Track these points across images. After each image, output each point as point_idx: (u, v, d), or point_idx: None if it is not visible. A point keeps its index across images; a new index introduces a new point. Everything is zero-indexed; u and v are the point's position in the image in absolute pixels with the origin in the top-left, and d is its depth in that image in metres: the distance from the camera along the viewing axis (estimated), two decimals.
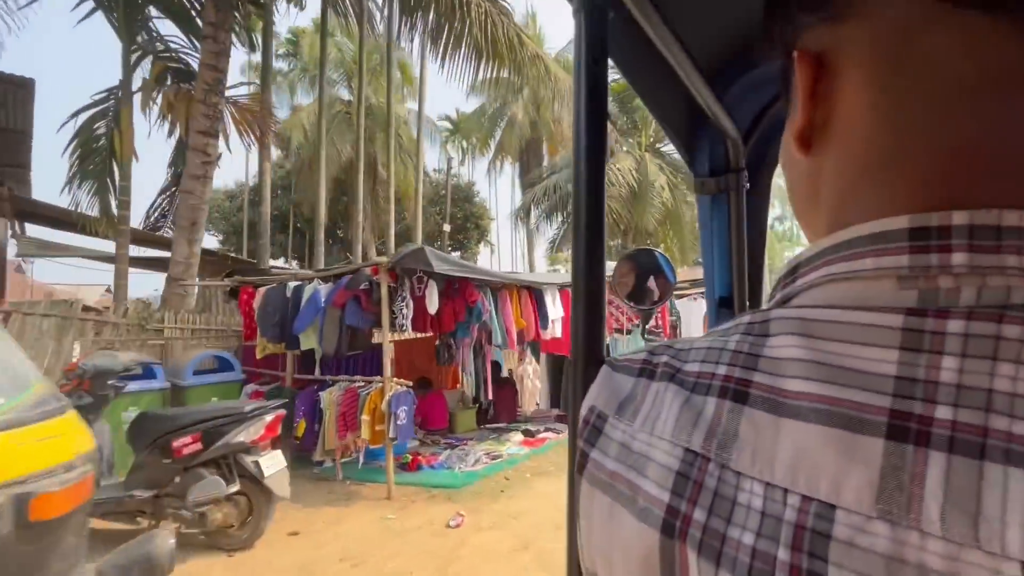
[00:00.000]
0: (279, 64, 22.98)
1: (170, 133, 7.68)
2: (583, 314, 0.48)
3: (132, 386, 4.84)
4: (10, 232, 10.09)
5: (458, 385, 7.08)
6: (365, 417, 4.57)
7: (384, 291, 4.65)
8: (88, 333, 5.96)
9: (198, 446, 3.45)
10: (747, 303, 0.90)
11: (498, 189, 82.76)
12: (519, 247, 26.09)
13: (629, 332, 7.87)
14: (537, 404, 7.34)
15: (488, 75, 8.20)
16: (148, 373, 5.07)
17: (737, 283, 0.89)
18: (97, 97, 7.13)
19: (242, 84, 7.62)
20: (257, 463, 3.54)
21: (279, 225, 23.72)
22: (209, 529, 3.46)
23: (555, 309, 6.11)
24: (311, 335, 5.14)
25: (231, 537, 3.60)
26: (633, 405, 0.32)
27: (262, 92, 8.24)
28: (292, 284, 5.36)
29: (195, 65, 7.19)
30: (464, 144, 26.56)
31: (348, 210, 20.35)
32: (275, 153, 25.18)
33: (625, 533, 0.29)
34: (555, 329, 6.14)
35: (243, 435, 3.51)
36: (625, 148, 17.47)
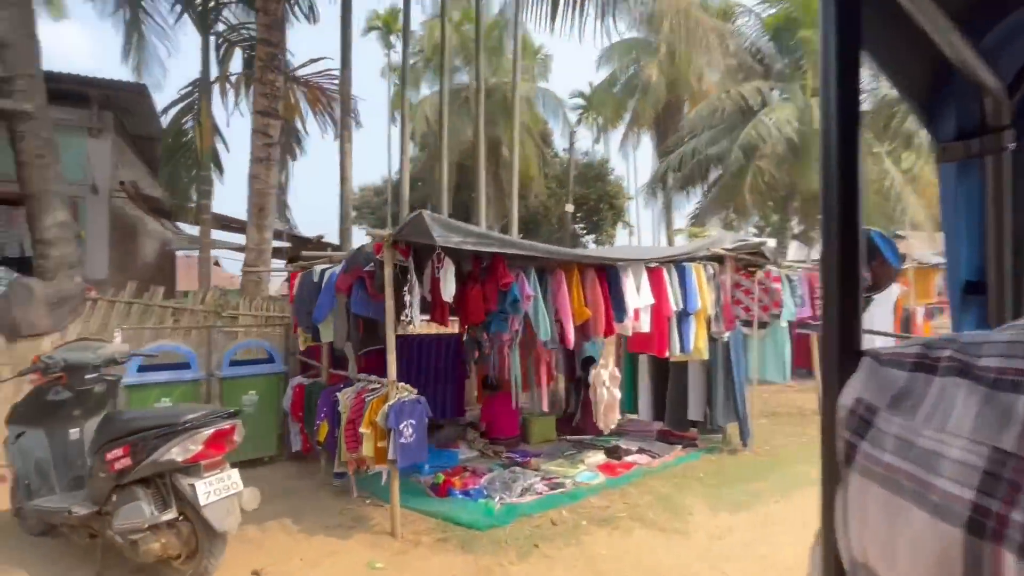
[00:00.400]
0: (413, 61, 23.87)
1: None
2: (836, 303, 0.45)
3: (162, 376, 4.68)
4: (168, 230, 11.63)
5: (550, 384, 5.85)
6: (364, 430, 3.68)
7: (388, 272, 3.68)
8: (167, 320, 6.19)
9: (127, 461, 2.87)
10: (1006, 289, 0.72)
11: (637, 166, 77.83)
12: (660, 225, 23.51)
13: (764, 325, 5.87)
14: (630, 415, 5.81)
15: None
16: (184, 363, 4.88)
17: (994, 265, 0.73)
18: (183, 91, 7.54)
19: (312, 61, 7.38)
20: (193, 487, 2.85)
21: None
22: (144, 560, 2.88)
23: (639, 296, 4.53)
24: (329, 325, 4.44)
25: (177, 571, 2.99)
26: (911, 400, 0.32)
27: (342, 71, 8.00)
28: (318, 268, 4.72)
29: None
30: (599, 120, 24.83)
31: (470, 195, 20.29)
32: (411, 147, 26.46)
33: (915, 528, 0.29)
34: (639, 321, 4.56)
35: (175, 451, 2.84)
36: (784, 95, 14.19)
